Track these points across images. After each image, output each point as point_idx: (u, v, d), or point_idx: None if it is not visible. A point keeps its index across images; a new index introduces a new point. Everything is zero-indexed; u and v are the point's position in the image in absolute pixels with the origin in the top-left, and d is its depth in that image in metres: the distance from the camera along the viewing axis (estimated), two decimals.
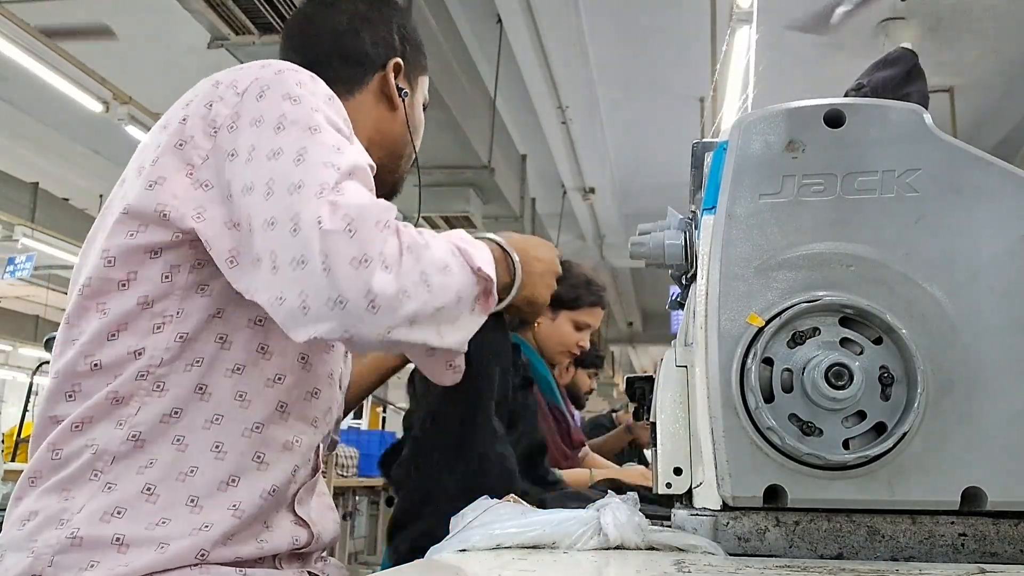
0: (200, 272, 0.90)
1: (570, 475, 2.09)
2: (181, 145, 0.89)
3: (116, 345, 0.89)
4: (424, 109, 1.24)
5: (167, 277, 0.90)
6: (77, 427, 0.88)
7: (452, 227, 6.57)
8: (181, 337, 0.89)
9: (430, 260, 0.86)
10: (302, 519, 0.97)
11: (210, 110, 0.90)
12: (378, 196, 1.15)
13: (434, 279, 0.85)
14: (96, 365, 0.89)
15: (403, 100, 1.15)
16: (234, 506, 0.88)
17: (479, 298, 0.92)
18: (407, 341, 0.83)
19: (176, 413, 0.88)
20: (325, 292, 0.78)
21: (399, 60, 1.15)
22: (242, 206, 0.84)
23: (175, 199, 0.88)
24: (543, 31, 4.84)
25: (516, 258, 1.04)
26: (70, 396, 0.90)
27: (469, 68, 5.04)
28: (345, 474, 5.50)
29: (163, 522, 0.85)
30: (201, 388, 0.90)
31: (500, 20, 4.70)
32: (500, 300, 1.01)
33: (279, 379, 0.94)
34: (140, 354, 0.89)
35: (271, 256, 0.81)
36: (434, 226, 6.16)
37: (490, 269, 0.92)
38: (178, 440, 0.88)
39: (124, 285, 0.90)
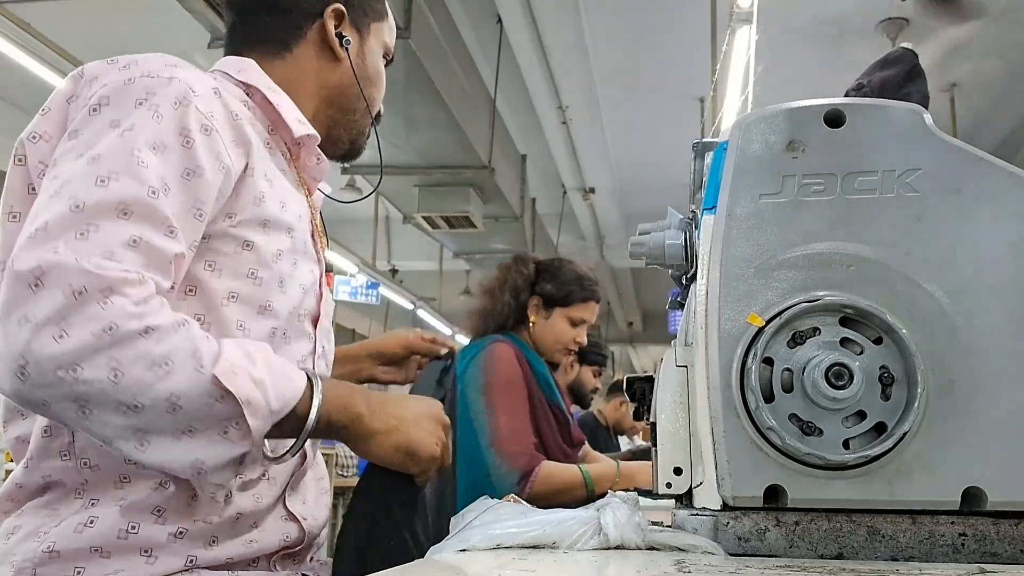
0: None
1: (595, 469, 2.07)
2: (35, 139, 0.86)
3: None
4: (389, 61, 1.15)
5: None
6: (27, 465, 0.86)
7: (452, 227, 6.57)
8: None
9: (140, 350, 0.73)
10: (292, 514, 0.96)
11: (69, 106, 0.87)
12: (337, 155, 1.11)
13: (131, 372, 0.73)
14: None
15: (346, 49, 1.06)
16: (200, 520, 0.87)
17: (233, 421, 0.77)
18: (93, 430, 0.74)
19: None
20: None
21: (339, 6, 1.06)
22: None
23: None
24: (543, 31, 4.84)
25: (319, 390, 0.84)
26: (23, 415, 0.88)
27: (469, 68, 5.04)
28: (345, 474, 5.51)
29: (133, 528, 0.83)
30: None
31: (500, 20, 4.70)
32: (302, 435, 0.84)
33: None
34: None
35: None
36: (434, 226, 6.16)
37: (242, 385, 0.76)
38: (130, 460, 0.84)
39: None
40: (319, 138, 1.02)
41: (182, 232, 0.81)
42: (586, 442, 2.51)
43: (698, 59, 4.56)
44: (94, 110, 0.83)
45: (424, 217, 6.00)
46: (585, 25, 4.87)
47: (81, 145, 0.81)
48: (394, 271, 9.14)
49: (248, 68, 1.00)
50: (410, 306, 9.28)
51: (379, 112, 1.15)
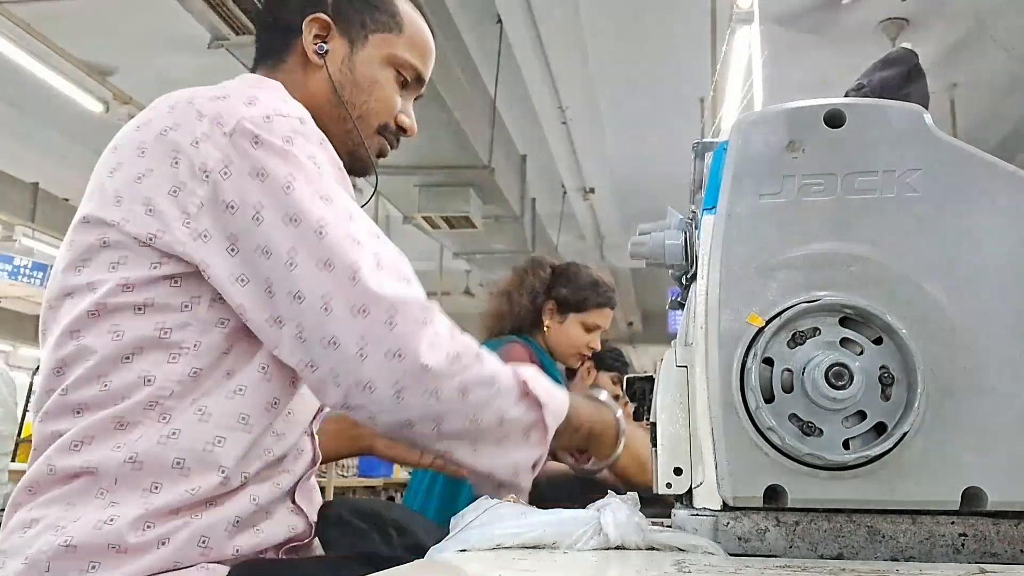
0: (221, 306, 0.88)
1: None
2: (175, 192, 0.87)
3: (130, 369, 0.87)
4: (409, 79, 1.13)
5: (187, 307, 0.88)
6: (76, 446, 0.86)
7: (452, 227, 6.58)
8: (195, 372, 0.88)
9: (476, 372, 0.89)
10: (299, 507, 0.97)
11: (197, 150, 0.87)
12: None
13: (475, 392, 0.88)
14: (105, 387, 0.87)
15: (321, 56, 1.06)
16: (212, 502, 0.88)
17: (535, 426, 0.93)
18: (433, 448, 0.90)
19: (175, 435, 0.87)
20: (355, 374, 0.84)
21: (320, 15, 1.07)
22: (257, 267, 0.85)
23: (182, 246, 0.86)
24: (543, 31, 4.84)
25: (622, 424, 1.08)
26: (77, 412, 0.88)
27: (469, 68, 5.04)
28: (345, 474, 5.50)
29: (149, 525, 0.84)
30: (201, 410, 0.88)
31: (500, 20, 4.70)
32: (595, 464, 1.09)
33: (275, 403, 0.92)
34: (150, 382, 0.87)
35: (297, 327, 0.85)
36: (434, 226, 6.16)
37: (541, 391, 0.93)
38: (178, 463, 0.86)
39: (140, 310, 0.88)
40: None
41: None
42: None
43: (698, 59, 4.55)
44: (256, 143, 0.87)
45: (424, 217, 6.00)
46: (585, 25, 4.87)
47: (284, 178, 0.87)
48: None
49: (249, 80, 1.05)
50: None
51: (401, 126, 1.13)
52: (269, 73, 1.08)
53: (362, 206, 1.18)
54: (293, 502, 0.97)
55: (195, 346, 0.88)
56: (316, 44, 1.07)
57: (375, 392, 0.84)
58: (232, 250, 0.86)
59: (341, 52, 1.08)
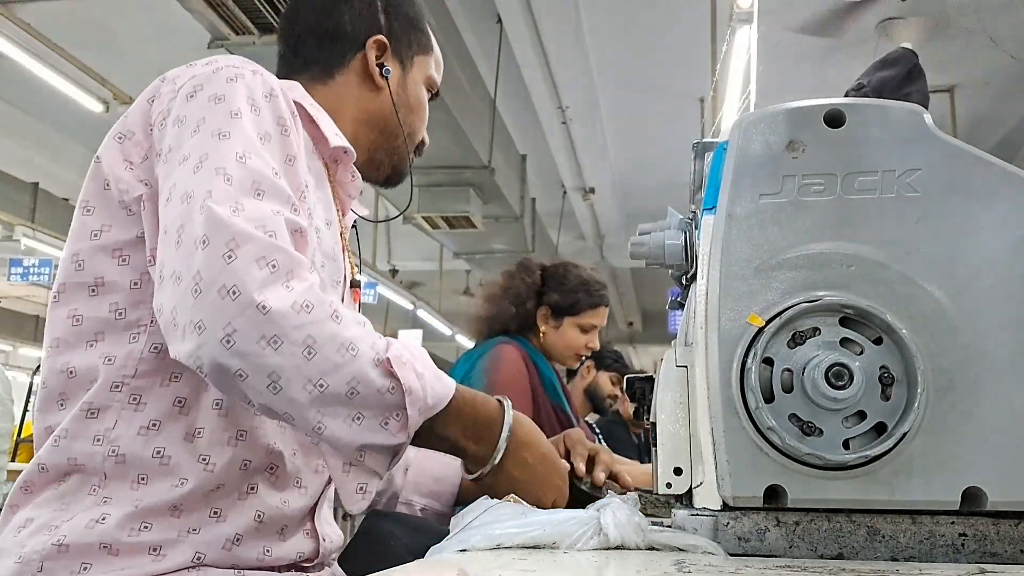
0: None
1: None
2: (121, 139, 0.90)
3: (92, 353, 0.87)
4: (435, 93, 1.19)
5: (136, 284, 0.88)
6: (56, 441, 0.87)
7: (452, 227, 6.56)
8: (155, 348, 0.86)
9: (329, 330, 0.76)
10: (316, 531, 0.96)
11: (151, 105, 0.90)
12: (379, 179, 1.15)
13: (323, 350, 0.76)
14: (71, 373, 0.88)
15: (386, 79, 1.10)
16: (215, 513, 0.87)
17: (393, 411, 0.80)
18: (270, 406, 0.77)
19: (155, 425, 0.86)
20: (189, 313, 0.74)
21: (381, 38, 1.10)
22: (162, 213, 0.83)
23: (127, 194, 0.88)
24: (543, 31, 4.83)
25: (509, 416, 0.91)
26: (61, 405, 0.89)
27: (469, 68, 5.04)
28: None
29: (145, 527, 0.84)
30: (180, 401, 0.87)
31: (500, 20, 4.70)
32: (475, 467, 0.91)
33: None
34: (111, 360, 0.87)
35: (161, 265, 0.79)
36: (434, 226, 6.16)
37: (407, 375, 0.80)
38: (158, 453, 0.85)
39: (93, 291, 0.88)
40: (355, 155, 1.04)
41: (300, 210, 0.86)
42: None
43: (698, 59, 4.55)
44: (191, 96, 0.87)
45: (424, 217, 6.00)
46: (585, 25, 4.87)
47: (194, 122, 0.84)
48: (394, 271, 9.14)
49: (294, 87, 1.05)
50: (410, 306, 9.29)
51: (423, 141, 1.18)
52: (310, 84, 1.08)
53: (392, 218, 1.36)
54: (312, 522, 0.96)
55: (152, 322, 0.87)
56: (379, 66, 1.09)
57: (203, 333, 0.73)
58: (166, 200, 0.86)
59: (396, 74, 1.12)
